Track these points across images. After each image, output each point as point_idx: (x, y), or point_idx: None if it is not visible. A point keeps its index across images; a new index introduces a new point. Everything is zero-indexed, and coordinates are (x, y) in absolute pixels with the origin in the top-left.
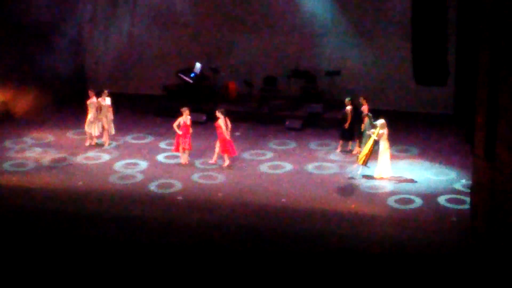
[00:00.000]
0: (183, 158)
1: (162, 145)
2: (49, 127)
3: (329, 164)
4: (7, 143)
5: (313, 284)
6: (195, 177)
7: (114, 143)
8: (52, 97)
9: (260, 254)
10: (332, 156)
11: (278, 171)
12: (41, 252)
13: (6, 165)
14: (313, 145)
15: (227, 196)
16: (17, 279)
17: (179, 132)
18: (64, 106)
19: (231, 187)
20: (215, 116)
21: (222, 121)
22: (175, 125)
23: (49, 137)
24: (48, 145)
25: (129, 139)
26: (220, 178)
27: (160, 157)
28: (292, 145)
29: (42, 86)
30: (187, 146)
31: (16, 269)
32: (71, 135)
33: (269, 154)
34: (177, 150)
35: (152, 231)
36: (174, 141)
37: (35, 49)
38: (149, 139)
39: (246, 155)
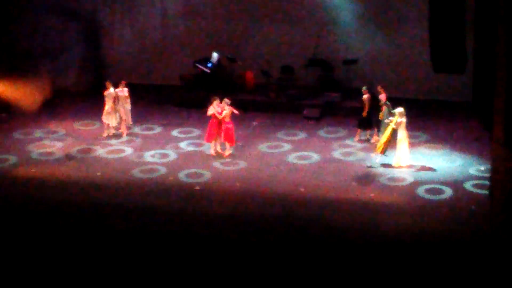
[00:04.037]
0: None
1: (179, 134)
2: (68, 118)
3: (347, 153)
4: (25, 135)
5: (333, 272)
6: (213, 166)
7: (131, 133)
8: (69, 88)
9: (279, 244)
10: (350, 145)
11: (295, 160)
12: (58, 243)
13: (25, 157)
14: (331, 134)
15: (245, 185)
16: (33, 269)
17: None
18: (81, 97)
19: (249, 176)
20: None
21: (228, 110)
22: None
23: (67, 128)
24: (66, 136)
25: (146, 129)
26: (237, 167)
27: (178, 147)
28: (309, 134)
29: (60, 76)
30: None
31: (35, 259)
32: (89, 125)
33: (287, 144)
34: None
35: (170, 221)
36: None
37: (51, 38)
38: (167, 129)
39: (264, 144)
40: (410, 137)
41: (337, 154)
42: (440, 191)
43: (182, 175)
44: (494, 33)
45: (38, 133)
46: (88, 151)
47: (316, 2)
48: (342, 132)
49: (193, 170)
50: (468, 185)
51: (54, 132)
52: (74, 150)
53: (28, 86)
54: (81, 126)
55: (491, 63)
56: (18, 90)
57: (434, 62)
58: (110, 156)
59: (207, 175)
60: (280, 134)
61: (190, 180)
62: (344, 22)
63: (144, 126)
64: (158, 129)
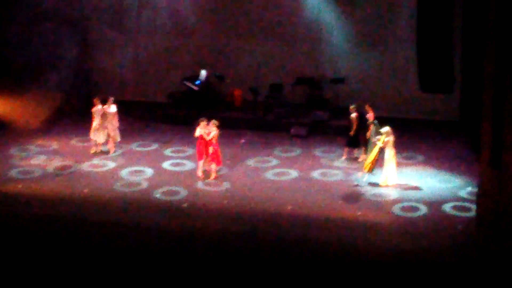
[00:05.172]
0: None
1: (167, 152)
2: (54, 134)
3: (334, 172)
4: (12, 151)
5: None
6: (200, 184)
7: (119, 151)
8: (57, 105)
9: (266, 262)
10: (337, 164)
11: (283, 179)
12: (45, 260)
13: (12, 173)
14: (318, 152)
15: (233, 203)
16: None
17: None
18: (69, 114)
19: (237, 195)
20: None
21: (215, 131)
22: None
23: (54, 144)
24: (53, 152)
25: (134, 146)
26: (225, 185)
27: (165, 165)
28: (297, 152)
29: (47, 94)
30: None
31: (21, 277)
32: (76, 142)
33: (275, 162)
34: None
35: (157, 239)
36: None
37: (42, 56)
38: (154, 146)
39: (251, 162)
40: (397, 156)
41: (324, 172)
42: (428, 211)
43: (169, 193)
44: (482, 54)
45: (30, 149)
46: (74, 167)
47: (305, 21)
48: (329, 151)
49: (179, 188)
50: (454, 205)
51: (41, 148)
52: (60, 166)
53: (22, 103)
54: (67, 143)
55: (479, 83)
56: (13, 107)
57: (422, 82)
58: (97, 173)
59: (193, 193)
60: (267, 152)
61: (176, 198)
62: (333, 41)
63: (131, 143)
64: (144, 146)
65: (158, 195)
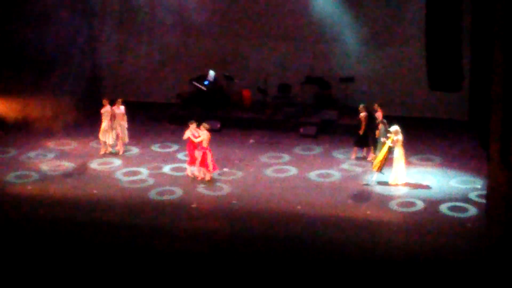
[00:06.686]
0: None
1: (176, 153)
2: (64, 136)
3: (343, 171)
4: (23, 152)
5: None
6: (207, 185)
7: (128, 151)
8: (65, 106)
9: (276, 262)
10: (346, 163)
11: (292, 178)
12: (56, 261)
13: (21, 174)
14: (327, 152)
15: (242, 203)
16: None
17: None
18: (78, 115)
19: (246, 195)
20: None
21: (206, 135)
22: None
23: (63, 146)
24: (62, 154)
25: (143, 147)
26: (234, 185)
27: (174, 165)
28: (306, 152)
29: (56, 95)
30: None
31: (31, 277)
32: (85, 143)
33: (283, 161)
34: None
35: (167, 239)
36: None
37: (51, 59)
38: (163, 147)
39: (260, 162)
40: (406, 155)
41: (333, 171)
42: (437, 209)
43: (176, 194)
44: (491, 52)
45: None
46: (84, 169)
47: (314, 21)
48: (339, 150)
49: (187, 189)
50: (464, 204)
51: (51, 150)
52: (69, 168)
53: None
54: (76, 144)
55: (488, 82)
56: (24, 108)
57: (430, 80)
58: (106, 174)
59: (201, 194)
60: (276, 152)
61: (186, 199)
62: (341, 41)
63: (140, 143)
64: (153, 147)
65: (167, 196)
